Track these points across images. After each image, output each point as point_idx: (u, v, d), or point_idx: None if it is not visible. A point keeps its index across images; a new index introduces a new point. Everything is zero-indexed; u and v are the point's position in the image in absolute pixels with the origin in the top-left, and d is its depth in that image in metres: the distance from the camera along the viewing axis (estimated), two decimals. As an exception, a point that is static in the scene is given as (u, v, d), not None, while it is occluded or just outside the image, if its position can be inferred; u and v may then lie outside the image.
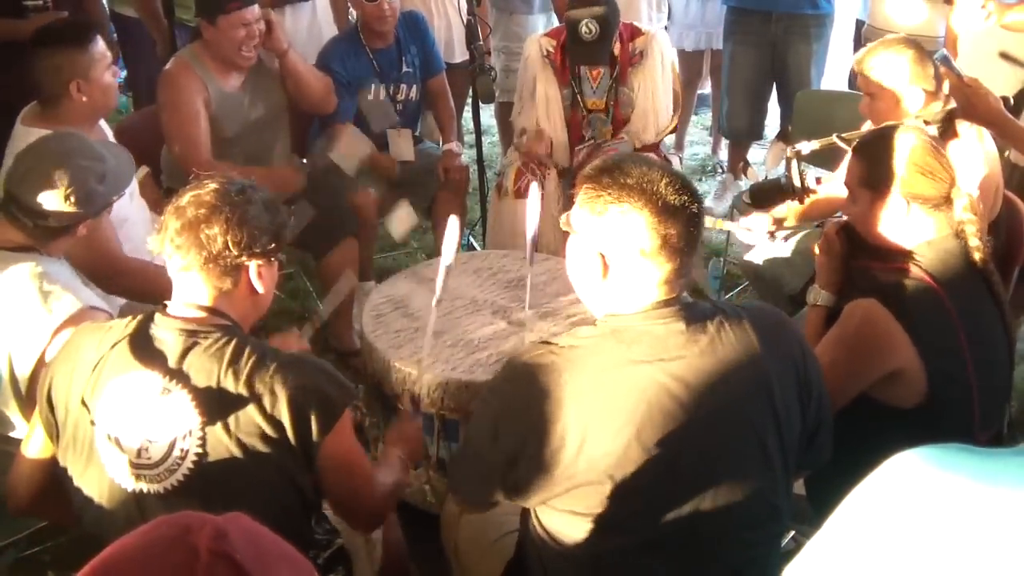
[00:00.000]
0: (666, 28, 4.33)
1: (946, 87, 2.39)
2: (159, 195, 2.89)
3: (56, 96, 2.41)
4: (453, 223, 2.09)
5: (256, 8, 2.95)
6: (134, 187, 2.50)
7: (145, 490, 1.48)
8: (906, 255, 1.85)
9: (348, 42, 3.40)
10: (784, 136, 3.59)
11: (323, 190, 3.30)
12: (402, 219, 3.35)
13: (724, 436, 1.44)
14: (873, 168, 1.88)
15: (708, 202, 4.32)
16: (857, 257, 1.99)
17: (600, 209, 1.41)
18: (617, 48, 3.25)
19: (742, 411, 1.45)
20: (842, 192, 2.06)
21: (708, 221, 2.55)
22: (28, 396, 1.90)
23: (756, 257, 2.91)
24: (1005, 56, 3.03)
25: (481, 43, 3.16)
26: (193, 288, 1.55)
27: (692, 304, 1.46)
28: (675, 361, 1.40)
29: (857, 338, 1.81)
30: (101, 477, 1.51)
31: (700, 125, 5.41)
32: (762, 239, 2.66)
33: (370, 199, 3.32)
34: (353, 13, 3.58)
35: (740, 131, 4.33)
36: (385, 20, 3.27)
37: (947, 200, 1.85)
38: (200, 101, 2.95)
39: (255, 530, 0.92)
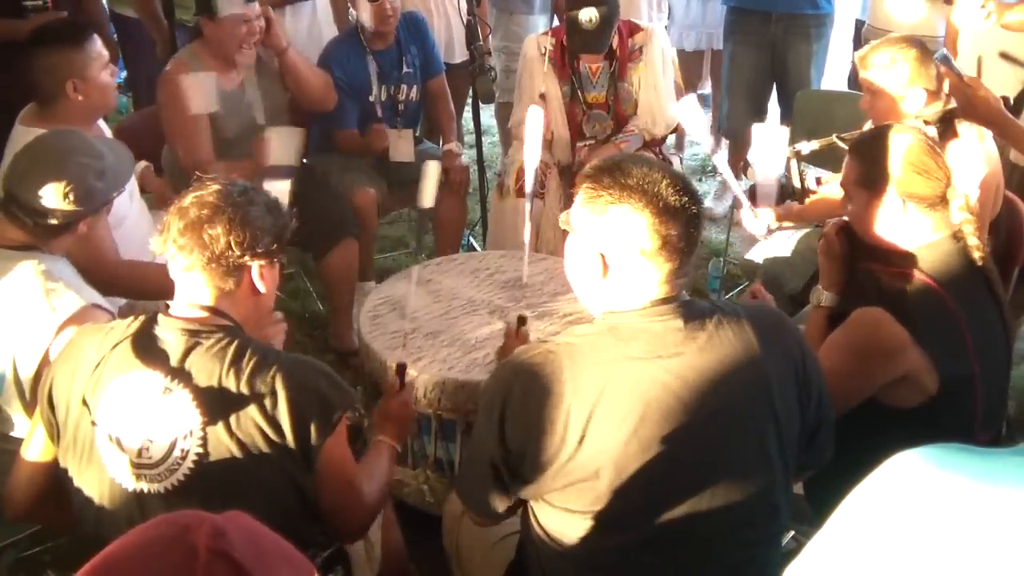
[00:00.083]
0: (666, 28, 4.32)
1: (946, 86, 2.39)
2: (163, 185, 2.88)
3: (53, 96, 2.41)
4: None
5: (256, 5, 2.96)
6: (133, 185, 2.50)
7: (146, 490, 1.48)
8: (908, 258, 1.85)
9: (348, 43, 3.40)
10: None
11: (323, 190, 3.30)
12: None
13: (723, 434, 1.44)
14: (869, 168, 1.88)
15: (708, 202, 4.32)
16: (859, 259, 1.99)
17: (600, 209, 1.41)
18: (616, 43, 3.25)
19: (741, 409, 1.45)
20: (841, 193, 2.05)
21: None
22: (31, 395, 1.90)
23: (756, 256, 2.91)
24: (1005, 56, 3.03)
25: (481, 43, 3.16)
26: (195, 288, 1.56)
27: (690, 302, 1.46)
28: (673, 358, 1.40)
29: (864, 346, 1.81)
30: (102, 477, 1.51)
31: (700, 125, 5.40)
32: (762, 230, 2.64)
33: (370, 199, 3.31)
34: (353, 13, 3.58)
35: (740, 131, 4.33)
36: (387, 21, 3.27)
37: (943, 200, 1.85)
38: None
39: (254, 528, 0.92)
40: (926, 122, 2.30)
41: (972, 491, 0.87)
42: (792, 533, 1.98)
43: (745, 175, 4.21)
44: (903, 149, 1.85)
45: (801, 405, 1.52)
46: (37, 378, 1.85)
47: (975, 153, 2.33)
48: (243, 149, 3.11)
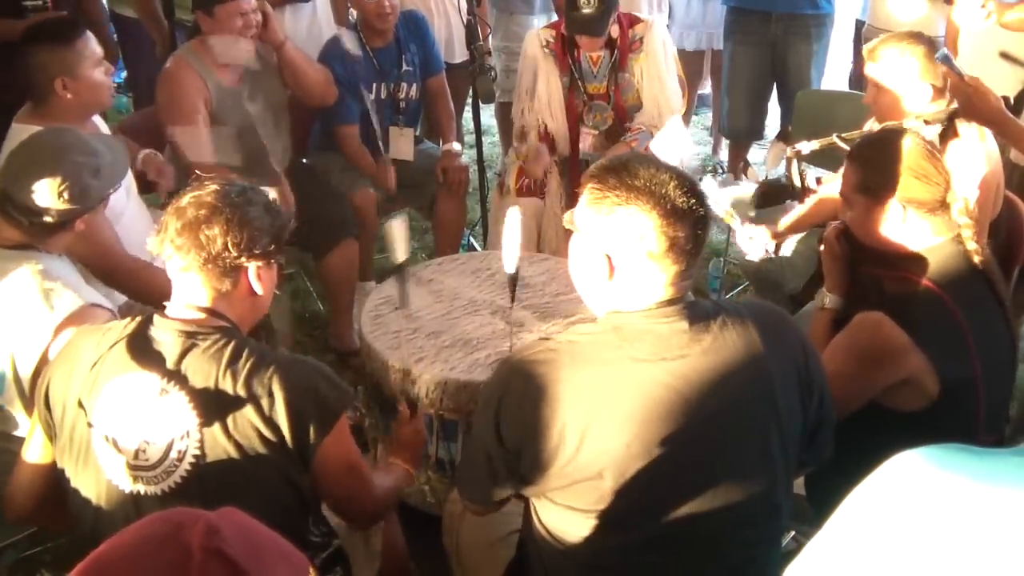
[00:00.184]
0: (667, 27, 4.32)
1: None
2: (165, 166, 2.84)
3: (45, 94, 2.41)
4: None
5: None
6: (130, 182, 2.50)
7: (143, 492, 1.48)
8: (910, 262, 1.85)
9: (347, 40, 3.40)
10: (784, 136, 3.58)
11: (323, 190, 3.30)
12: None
13: (726, 435, 1.44)
14: (868, 174, 1.88)
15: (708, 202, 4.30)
16: (862, 263, 1.99)
17: (607, 210, 1.40)
18: (616, 31, 3.24)
19: (744, 410, 1.44)
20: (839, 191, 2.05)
21: (720, 212, 2.51)
22: (31, 394, 1.90)
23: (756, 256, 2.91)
24: (1005, 56, 3.03)
25: (481, 43, 3.16)
26: (192, 289, 1.55)
27: (695, 303, 1.45)
28: (677, 360, 1.39)
29: (866, 350, 1.81)
30: (99, 479, 1.51)
31: (700, 125, 5.40)
32: (760, 253, 2.65)
33: (370, 199, 3.31)
34: (353, 13, 3.58)
35: (740, 131, 4.33)
36: (385, 18, 3.27)
37: (943, 204, 1.85)
38: (200, 99, 2.95)
39: (248, 524, 0.91)
40: (926, 122, 2.30)
41: (973, 491, 0.87)
42: (792, 533, 1.98)
43: (745, 175, 4.22)
44: (902, 154, 1.85)
45: (803, 404, 1.52)
46: (36, 378, 1.85)
47: (976, 152, 2.33)
48: (242, 146, 3.11)
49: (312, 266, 3.50)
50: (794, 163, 2.42)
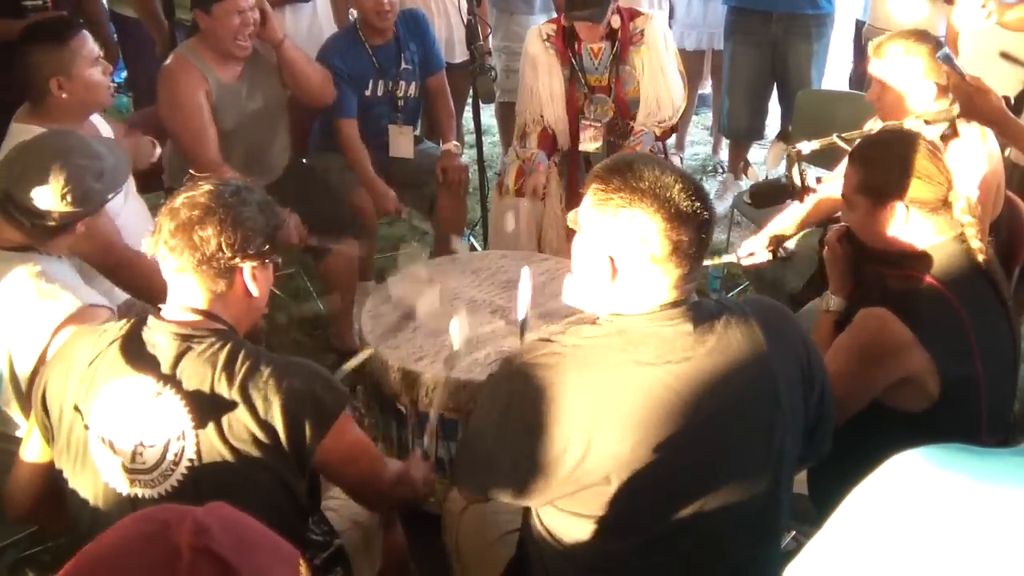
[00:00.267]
0: (668, 27, 4.32)
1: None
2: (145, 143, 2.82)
3: (41, 93, 2.41)
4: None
5: None
6: (130, 184, 2.49)
7: (140, 495, 1.48)
8: (913, 260, 1.85)
9: (347, 39, 3.40)
10: (784, 136, 3.58)
11: (323, 190, 3.29)
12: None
13: (730, 436, 1.43)
14: (869, 175, 1.87)
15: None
16: (865, 262, 1.98)
17: (611, 212, 1.38)
18: (617, 22, 3.24)
19: (748, 410, 1.44)
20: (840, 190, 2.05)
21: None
22: (29, 396, 1.90)
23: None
24: (1005, 56, 3.02)
25: (481, 43, 3.15)
26: (187, 291, 1.55)
27: (699, 304, 1.44)
28: (682, 363, 1.39)
29: (867, 345, 1.81)
30: (96, 481, 1.51)
31: (700, 125, 5.40)
32: (766, 257, 2.63)
33: (370, 199, 3.31)
34: (353, 13, 3.58)
35: (740, 131, 4.33)
36: (384, 16, 3.27)
37: (945, 203, 1.85)
38: (202, 94, 2.95)
39: (236, 519, 0.89)
40: (927, 122, 2.30)
41: (973, 491, 0.87)
42: (793, 533, 1.98)
43: (745, 175, 4.21)
44: (903, 155, 1.84)
45: (805, 400, 1.52)
46: (34, 379, 1.85)
47: (976, 152, 2.33)
48: (241, 142, 3.11)
49: (312, 266, 3.50)
50: (794, 163, 2.41)
